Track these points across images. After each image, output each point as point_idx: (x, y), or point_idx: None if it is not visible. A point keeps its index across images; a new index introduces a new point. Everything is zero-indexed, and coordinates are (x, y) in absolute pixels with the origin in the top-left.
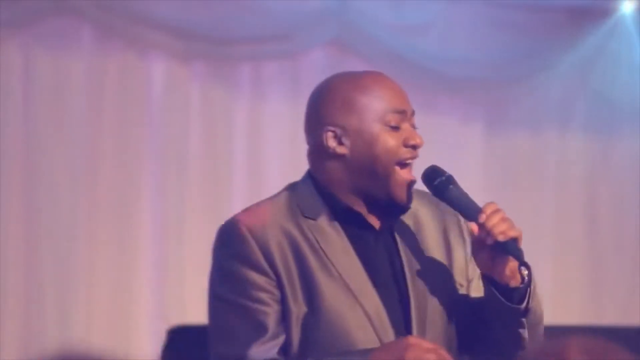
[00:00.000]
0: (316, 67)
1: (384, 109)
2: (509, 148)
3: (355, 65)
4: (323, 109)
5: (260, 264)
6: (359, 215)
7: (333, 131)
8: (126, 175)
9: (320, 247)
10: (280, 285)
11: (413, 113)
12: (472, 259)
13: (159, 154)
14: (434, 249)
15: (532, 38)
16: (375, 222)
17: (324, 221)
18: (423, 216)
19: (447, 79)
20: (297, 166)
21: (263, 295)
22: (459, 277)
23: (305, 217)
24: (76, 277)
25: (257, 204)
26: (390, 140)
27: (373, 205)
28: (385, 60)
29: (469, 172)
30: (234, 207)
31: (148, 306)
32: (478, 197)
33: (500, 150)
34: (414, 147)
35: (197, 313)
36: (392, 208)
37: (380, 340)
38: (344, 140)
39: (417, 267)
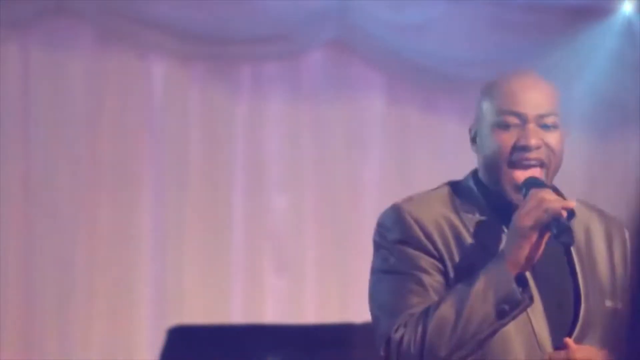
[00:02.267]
0: (316, 67)
1: (498, 108)
2: None
3: (355, 65)
4: (476, 108)
5: (423, 244)
6: (507, 201)
7: (470, 131)
8: (126, 176)
9: (478, 239)
10: (443, 263)
11: (548, 112)
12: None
13: (159, 155)
14: (601, 263)
15: (532, 38)
16: None
17: (479, 216)
18: (593, 228)
19: (447, 78)
20: (297, 166)
21: (428, 271)
22: (620, 295)
23: (464, 211)
24: (76, 277)
25: (418, 194)
26: (498, 141)
27: (501, 201)
28: (385, 60)
29: (468, 172)
30: (234, 207)
31: (148, 306)
32: None
33: None
34: (525, 149)
35: (196, 313)
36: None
37: (535, 334)
38: (477, 140)
39: (588, 275)
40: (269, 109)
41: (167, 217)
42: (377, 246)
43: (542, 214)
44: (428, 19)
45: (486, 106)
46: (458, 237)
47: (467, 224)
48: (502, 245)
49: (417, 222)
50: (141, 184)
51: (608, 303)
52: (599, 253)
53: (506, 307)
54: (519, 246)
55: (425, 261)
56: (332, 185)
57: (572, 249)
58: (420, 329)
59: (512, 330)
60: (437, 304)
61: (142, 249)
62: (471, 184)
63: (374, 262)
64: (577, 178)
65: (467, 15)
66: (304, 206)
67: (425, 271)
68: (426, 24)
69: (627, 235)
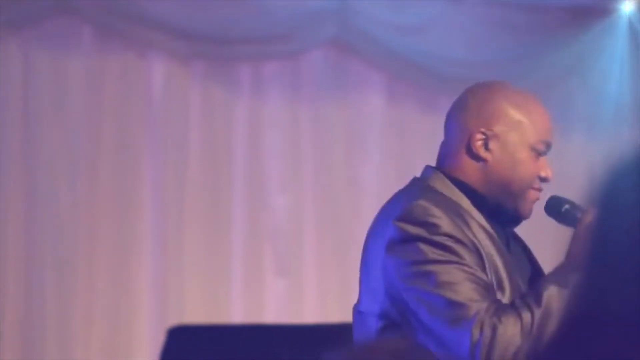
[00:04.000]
0: (316, 67)
1: (538, 135)
2: None
3: (355, 65)
4: (483, 110)
5: (462, 239)
6: (505, 212)
7: (484, 135)
8: (126, 175)
9: (480, 239)
10: (479, 256)
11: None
12: None
13: (159, 154)
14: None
15: (532, 38)
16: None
17: (475, 216)
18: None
19: (447, 78)
20: (297, 166)
21: (472, 266)
22: None
23: (472, 217)
24: (76, 277)
25: (422, 193)
26: (531, 168)
27: (497, 210)
28: (385, 60)
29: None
30: (234, 207)
31: (148, 306)
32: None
33: None
34: (544, 180)
35: (196, 313)
36: (514, 219)
37: None
38: (490, 146)
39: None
40: (269, 108)
41: (167, 216)
42: (412, 239)
43: None
44: (428, 19)
45: (526, 125)
46: (477, 235)
47: (477, 225)
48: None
49: (449, 217)
50: (141, 183)
51: None
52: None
53: None
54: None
55: (469, 257)
56: (332, 185)
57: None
58: (526, 317)
59: None
60: (526, 300)
61: (142, 249)
62: (449, 183)
63: (407, 255)
64: (577, 178)
65: (467, 15)
66: (304, 206)
67: (468, 263)
68: (426, 24)
69: None
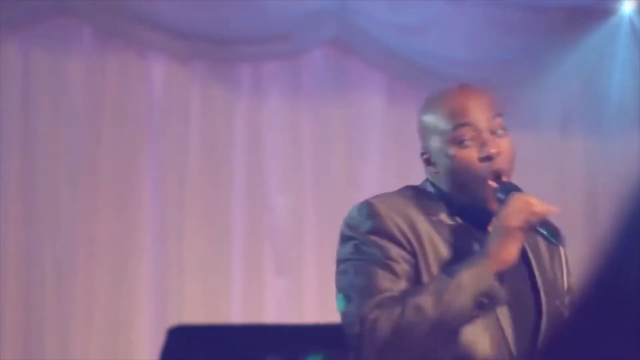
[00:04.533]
0: (316, 67)
1: (450, 123)
2: None
3: (355, 65)
4: (418, 132)
5: (396, 236)
6: (475, 209)
7: (425, 154)
8: (126, 175)
9: (444, 238)
10: (414, 256)
11: (493, 117)
12: (568, 293)
13: (158, 154)
14: (547, 266)
15: (532, 38)
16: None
17: (445, 218)
18: (533, 236)
19: (447, 78)
20: (297, 166)
21: (398, 260)
22: (562, 291)
23: (428, 213)
24: (76, 277)
25: (386, 194)
26: (466, 158)
27: (465, 206)
28: (385, 60)
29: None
30: (234, 207)
31: (148, 306)
32: None
33: None
34: (489, 159)
35: (196, 313)
36: (486, 211)
37: (503, 331)
38: (432, 161)
39: (542, 268)
40: (269, 108)
41: (167, 216)
42: (346, 238)
43: (531, 216)
44: (428, 19)
45: (436, 122)
46: (428, 235)
47: (435, 223)
48: (476, 245)
49: (389, 216)
50: (141, 183)
51: (557, 302)
52: (545, 257)
53: (485, 300)
54: (503, 245)
55: (396, 252)
56: (332, 185)
57: (528, 250)
58: (397, 311)
59: (480, 327)
60: (416, 291)
61: (141, 249)
62: (431, 189)
63: (341, 253)
64: (577, 178)
65: (466, 15)
66: (304, 206)
67: (396, 260)
68: (426, 24)
69: (562, 251)
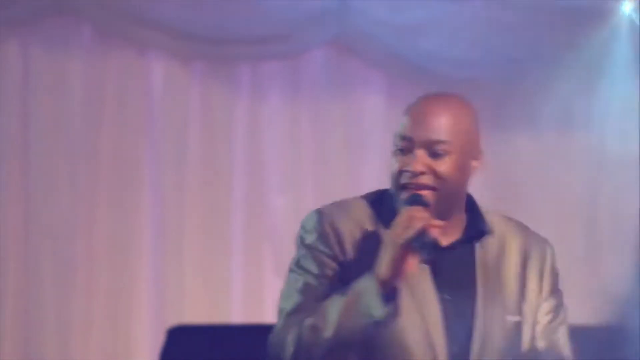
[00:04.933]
0: (316, 67)
1: (398, 136)
2: (509, 148)
3: (355, 65)
4: None
5: (335, 254)
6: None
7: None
8: (126, 175)
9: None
10: (342, 268)
11: (439, 139)
12: (550, 302)
13: (158, 154)
14: (510, 278)
15: (532, 38)
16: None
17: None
18: (509, 244)
19: (447, 79)
20: (297, 166)
21: (331, 278)
22: (526, 310)
23: (383, 224)
24: (75, 277)
25: (344, 201)
26: (394, 164)
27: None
28: (384, 60)
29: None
30: (234, 207)
31: (148, 306)
32: (478, 197)
33: (499, 150)
34: (408, 173)
35: (196, 313)
36: None
37: (433, 345)
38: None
39: (491, 289)
40: (268, 108)
41: (167, 216)
42: (297, 247)
43: (409, 230)
44: (428, 19)
45: (397, 131)
46: (371, 247)
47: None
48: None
49: (333, 229)
50: (141, 183)
51: (510, 317)
52: (510, 268)
53: (371, 319)
54: (386, 261)
55: (332, 269)
56: (332, 185)
57: (477, 263)
58: (295, 334)
59: (411, 340)
60: (314, 310)
61: (141, 249)
62: (390, 198)
63: (291, 261)
64: (577, 178)
65: (466, 15)
66: (303, 206)
67: (329, 278)
68: (426, 24)
69: (548, 252)
